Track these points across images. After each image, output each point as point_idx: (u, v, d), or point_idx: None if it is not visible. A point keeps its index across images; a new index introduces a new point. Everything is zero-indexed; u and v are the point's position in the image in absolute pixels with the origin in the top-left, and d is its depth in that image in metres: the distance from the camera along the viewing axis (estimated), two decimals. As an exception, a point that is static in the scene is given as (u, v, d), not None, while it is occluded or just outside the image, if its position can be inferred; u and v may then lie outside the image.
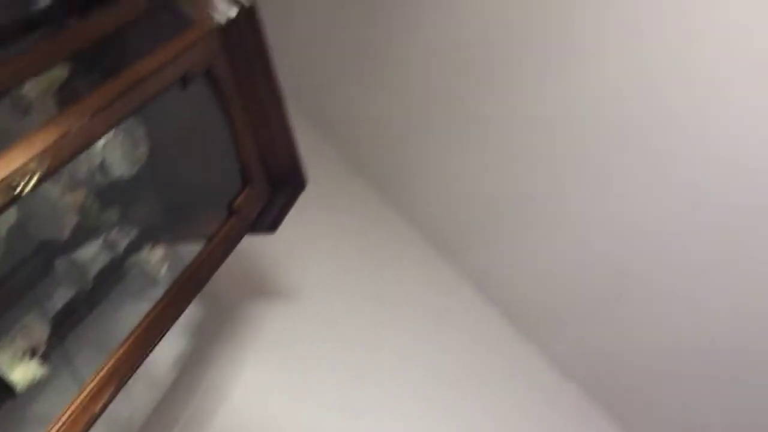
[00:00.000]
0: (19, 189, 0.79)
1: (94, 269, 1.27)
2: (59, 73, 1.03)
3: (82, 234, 1.29)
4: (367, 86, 2.05)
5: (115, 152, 1.29)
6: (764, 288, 1.65)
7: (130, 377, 1.09)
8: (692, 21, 1.54)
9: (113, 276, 1.32)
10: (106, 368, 1.00)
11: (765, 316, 1.67)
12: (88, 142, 0.93)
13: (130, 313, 1.19)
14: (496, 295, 2.08)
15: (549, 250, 1.94)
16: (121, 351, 1.04)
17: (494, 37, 1.78)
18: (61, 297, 1.24)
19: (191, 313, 1.58)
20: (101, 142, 1.23)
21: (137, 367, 1.10)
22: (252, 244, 1.70)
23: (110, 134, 1.23)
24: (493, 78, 1.83)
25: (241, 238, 1.31)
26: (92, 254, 1.27)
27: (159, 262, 1.26)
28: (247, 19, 1.16)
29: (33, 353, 1.08)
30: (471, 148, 1.96)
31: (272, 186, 1.36)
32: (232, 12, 1.14)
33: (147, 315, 1.10)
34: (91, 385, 0.99)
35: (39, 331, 1.09)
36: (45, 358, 1.09)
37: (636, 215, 1.76)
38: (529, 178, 1.90)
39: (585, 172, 1.80)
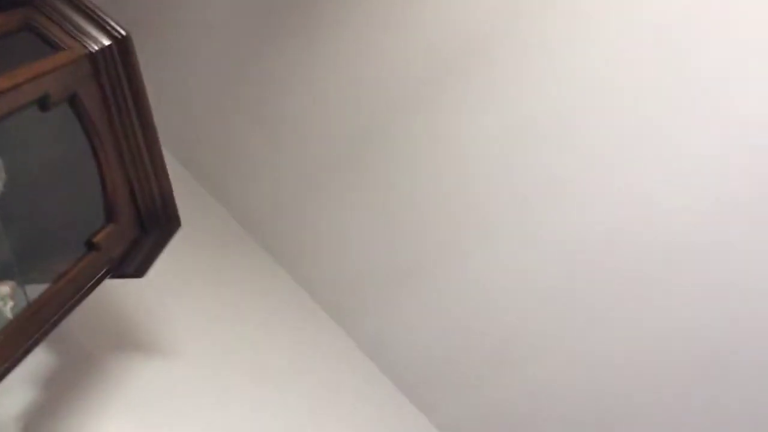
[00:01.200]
0: None
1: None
2: None
3: None
4: (258, 142, 2.04)
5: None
6: (645, 342, 1.71)
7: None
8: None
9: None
10: None
11: (650, 368, 1.72)
12: None
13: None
14: (381, 358, 2.04)
15: (433, 315, 1.94)
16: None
17: (384, 104, 1.82)
18: None
19: (46, 360, 1.46)
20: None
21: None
22: (122, 290, 1.62)
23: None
24: (383, 146, 1.86)
25: (100, 278, 1.23)
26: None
27: (3, 300, 1.16)
28: (120, 51, 1.13)
29: None
30: (359, 213, 1.95)
31: (141, 227, 1.30)
32: (103, 41, 1.11)
33: (-25, 354, 0.99)
34: None
35: None
36: None
37: (522, 279, 1.80)
38: (417, 245, 1.91)
39: (470, 238, 1.83)
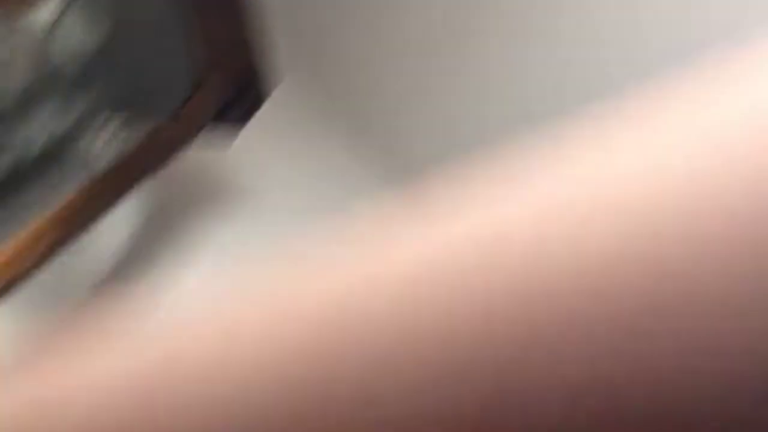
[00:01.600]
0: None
1: (35, 146, 1.23)
2: None
3: (25, 106, 1.24)
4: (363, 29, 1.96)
5: (73, 26, 1.24)
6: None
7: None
8: None
9: (52, 154, 1.28)
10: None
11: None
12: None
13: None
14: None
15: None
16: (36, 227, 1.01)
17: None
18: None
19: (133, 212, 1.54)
20: (52, 14, 1.18)
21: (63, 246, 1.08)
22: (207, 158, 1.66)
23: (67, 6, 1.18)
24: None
25: (192, 138, 1.27)
26: (34, 128, 1.22)
27: (104, 145, 1.22)
28: None
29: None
30: (464, 90, 1.88)
31: (240, 84, 1.31)
32: None
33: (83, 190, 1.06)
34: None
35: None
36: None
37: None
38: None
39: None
